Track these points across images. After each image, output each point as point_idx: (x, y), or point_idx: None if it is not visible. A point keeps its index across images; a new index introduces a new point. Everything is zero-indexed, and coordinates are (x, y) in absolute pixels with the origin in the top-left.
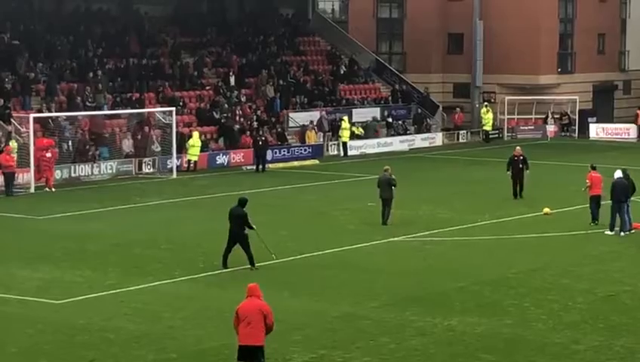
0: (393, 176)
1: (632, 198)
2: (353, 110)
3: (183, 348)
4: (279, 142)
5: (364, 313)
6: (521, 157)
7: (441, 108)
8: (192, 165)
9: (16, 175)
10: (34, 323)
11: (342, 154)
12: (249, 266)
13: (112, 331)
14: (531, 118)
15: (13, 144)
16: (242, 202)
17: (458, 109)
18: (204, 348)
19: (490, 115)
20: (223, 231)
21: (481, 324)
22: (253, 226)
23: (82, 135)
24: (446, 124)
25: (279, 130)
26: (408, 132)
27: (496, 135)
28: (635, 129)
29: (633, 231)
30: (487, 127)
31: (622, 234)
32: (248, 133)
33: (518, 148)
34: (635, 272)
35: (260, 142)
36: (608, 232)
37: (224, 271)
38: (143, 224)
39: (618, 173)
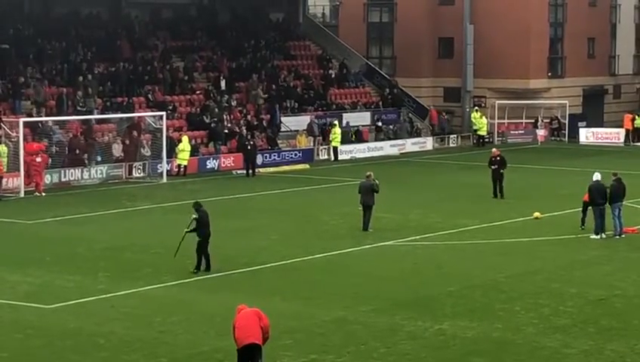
0: (377, 182)
1: (624, 203)
2: (344, 114)
3: (173, 352)
4: (270, 147)
5: (355, 317)
6: (498, 158)
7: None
8: (182, 169)
9: (4, 180)
10: (24, 327)
11: (332, 158)
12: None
13: (103, 336)
14: (521, 123)
15: (2, 148)
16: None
17: (431, 106)
18: (194, 353)
19: (484, 120)
20: (212, 236)
21: (472, 328)
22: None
23: (72, 139)
24: (435, 128)
25: (270, 134)
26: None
27: (487, 139)
28: (623, 133)
29: (624, 235)
30: (482, 132)
31: (603, 236)
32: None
33: (494, 149)
34: (625, 276)
35: (249, 147)
36: (593, 236)
37: (217, 275)
38: (134, 228)
39: (596, 176)
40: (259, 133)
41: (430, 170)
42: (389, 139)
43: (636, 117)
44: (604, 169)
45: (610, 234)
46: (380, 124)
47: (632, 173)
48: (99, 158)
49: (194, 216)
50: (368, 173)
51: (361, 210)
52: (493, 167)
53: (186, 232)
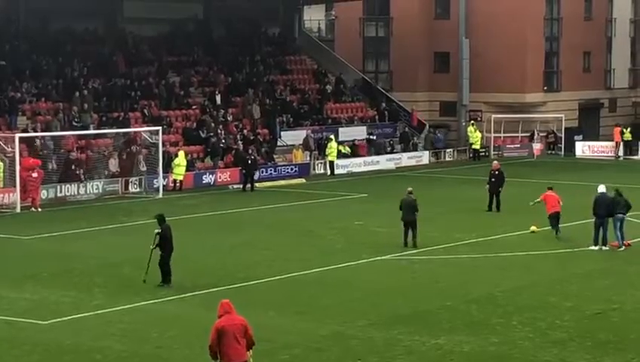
0: (415, 199)
1: (627, 216)
2: (340, 129)
3: None
4: (265, 161)
5: (352, 332)
6: (497, 172)
7: (427, 127)
8: (178, 184)
9: (0, 195)
10: (21, 344)
11: (328, 173)
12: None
13: (100, 351)
14: (518, 137)
15: None
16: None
17: (413, 107)
18: None
19: (478, 134)
20: (208, 251)
21: (469, 342)
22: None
23: (68, 154)
24: (432, 142)
25: (267, 149)
26: (395, 150)
27: (483, 153)
28: (618, 147)
29: (622, 248)
30: (476, 146)
31: (603, 248)
32: (234, 152)
33: (495, 162)
34: (622, 290)
35: (249, 161)
36: (592, 247)
37: (214, 289)
38: (130, 244)
39: (601, 188)
40: (253, 148)
41: (427, 185)
42: (386, 153)
43: (624, 130)
44: (601, 182)
45: (606, 248)
46: (373, 137)
47: (630, 186)
48: (106, 173)
49: (156, 230)
50: (410, 190)
51: (402, 226)
52: (492, 180)
53: (152, 249)
